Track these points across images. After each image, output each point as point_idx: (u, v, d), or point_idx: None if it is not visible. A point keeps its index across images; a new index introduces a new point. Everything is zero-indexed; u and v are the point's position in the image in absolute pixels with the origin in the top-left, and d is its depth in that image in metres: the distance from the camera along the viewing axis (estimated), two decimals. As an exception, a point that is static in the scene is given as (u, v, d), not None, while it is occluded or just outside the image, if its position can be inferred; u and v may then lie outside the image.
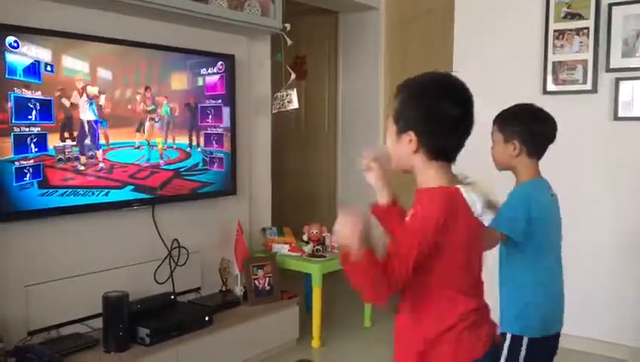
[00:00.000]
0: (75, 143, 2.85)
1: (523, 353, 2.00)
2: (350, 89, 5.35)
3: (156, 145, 3.23)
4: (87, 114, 2.89)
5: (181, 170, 3.34)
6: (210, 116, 3.48)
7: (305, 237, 3.94)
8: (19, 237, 2.73)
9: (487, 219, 1.53)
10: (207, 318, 3.10)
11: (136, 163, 3.13)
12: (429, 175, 1.48)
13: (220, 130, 3.53)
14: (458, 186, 1.44)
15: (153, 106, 3.18)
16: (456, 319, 1.46)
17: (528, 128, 2.02)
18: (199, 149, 3.42)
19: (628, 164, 3.45)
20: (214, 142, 3.50)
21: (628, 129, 3.43)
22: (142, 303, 3.00)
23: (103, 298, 2.78)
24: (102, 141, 2.97)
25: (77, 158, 2.86)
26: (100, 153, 2.96)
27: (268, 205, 4.16)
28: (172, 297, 3.19)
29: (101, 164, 2.97)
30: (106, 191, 2.99)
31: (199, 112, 3.42)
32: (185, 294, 3.45)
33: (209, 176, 3.50)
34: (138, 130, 3.14)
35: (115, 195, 3.03)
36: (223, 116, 3.54)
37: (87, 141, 2.90)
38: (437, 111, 1.42)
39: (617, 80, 3.43)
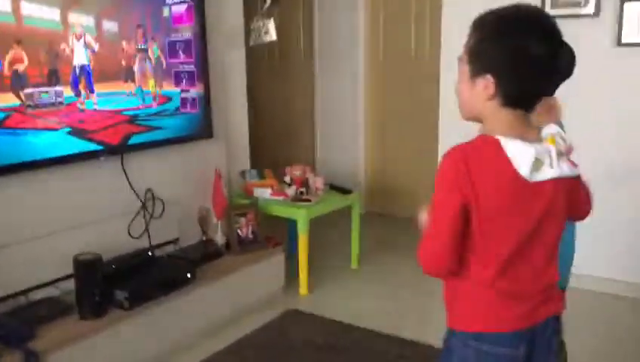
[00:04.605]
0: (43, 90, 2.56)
1: None
2: (327, 14, 4.98)
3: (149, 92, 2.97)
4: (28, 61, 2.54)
5: (150, 114, 3.03)
6: (179, 52, 3.13)
7: (287, 179, 3.71)
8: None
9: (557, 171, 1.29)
10: (189, 275, 2.89)
11: (110, 110, 2.84)
12: (497, 124, 1.30)
13: (190, 68, 3.19)
14: (497, 137, 1.25)
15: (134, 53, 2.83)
16: (479, 280, 1.32)
17: None
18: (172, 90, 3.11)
19: (632, 92, 3.25)
20: (185, 81, 3.17)
21: (633, 56, 3.20)
22: (117, 262, 2.77)
23: (73, 262, 2.53)
24: (65, 88, 2.64)
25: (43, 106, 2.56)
26: (63, 101, 2.64)
27: (246, 146, 3.88)
28: (149, 253, 2.96)
29: (66, 112, 2.65)
30: (69, 140, 2.68)
31: (167, 48, 3.07)
32: (162, 246, 3.22)
33: (182, 119, 3.19)
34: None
35: (80, 145, 2.73)
36: (194, 51, 3.19)
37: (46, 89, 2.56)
38: (522, 51, 1.24)
39: (622, 1, 3.16)
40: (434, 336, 2.91)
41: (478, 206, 1.25)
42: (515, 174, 1.24)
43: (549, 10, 3.32)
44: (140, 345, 2.67)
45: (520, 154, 1.24)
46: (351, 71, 4.91)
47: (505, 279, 1.31)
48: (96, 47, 2.74)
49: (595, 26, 3.25)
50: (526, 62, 1.24)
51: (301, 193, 3.62)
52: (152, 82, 3.03)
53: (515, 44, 1.24)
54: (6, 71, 2.42)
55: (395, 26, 4.74)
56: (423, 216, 1.39)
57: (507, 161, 1.24)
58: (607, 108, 3.33)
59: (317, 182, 3.70)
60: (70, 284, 2.67)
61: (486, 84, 1.27)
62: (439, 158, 4.41)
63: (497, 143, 1.25)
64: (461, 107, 1.38)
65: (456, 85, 1.37)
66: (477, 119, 1.35)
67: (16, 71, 2.46)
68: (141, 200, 3.07)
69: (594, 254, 3.32)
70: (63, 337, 2.41)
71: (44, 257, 2.67)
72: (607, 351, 2.83)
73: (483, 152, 1.26)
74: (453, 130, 3.73)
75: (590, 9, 3.24)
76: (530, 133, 1.29)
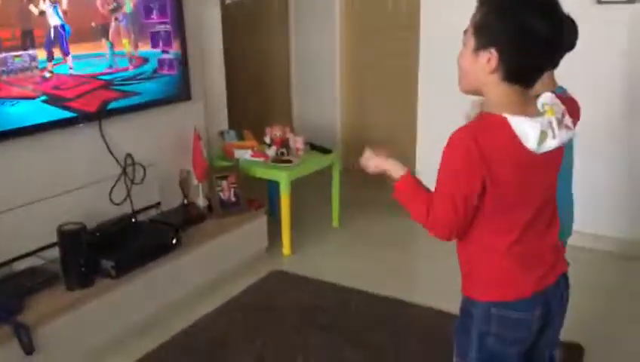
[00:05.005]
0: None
1: None
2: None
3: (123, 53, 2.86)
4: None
5: (127, 78, 2.94)
6: (154, 11, 3.01)
7: (267, 140, 3.68)
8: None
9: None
10: (174, 240, 2.87)
11: (86, 74, 2.75)
12: (497, 99, 1.34)
13: (167, 28, 3.08)
14: (504, 116, 1.29)
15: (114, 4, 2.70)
16: (495, 250, 1.40)
17: None
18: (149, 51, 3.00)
19: (612, 51, 3.28)
20: (162, 42, 3.07)
21: (613, 14, 3.22)
22: (100, 230, 2.73)
23: (58, 233, 2.48)
24: (39, 51, 2.54)
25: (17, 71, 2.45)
26: (49, 65, 2.55)
27: (224, 106, 3.81)
28: (133, 220, 2.92)
29: (46, 76, 2.54)
30: (46, 109, 2.59)
31: (142, 8, 2.95)
32: (144, 211, 3.18)
33: (160, 82, 3.11)
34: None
35: (57, 114, 2.64)
36: (169, 11, 3.08)
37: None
38: (526, 28, 1.26)
39: (602, -42, 3.16)
40: (419, 295, 3.01)
41: (492, 182, 1.30)
42: (523, 149, 1.29)
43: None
44: (129, 312, 2.67)
45: (527, 130, 1.29)
46: (326, 24, 4.81)
47: (520, 246, 1.39)
48: (65, 4, 2.61)
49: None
50: (528, 39, 1.27)
51: (282, 153, 3.60)
52: (126, 42, 2.92)
53: (518, 20, 1.27)
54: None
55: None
56: (373, 162, 1.56)
57: (515, 138, 1.29)
58: (586, 66, 3.34)
59: (297, 142, 3.68)
60: (53, 253, 2.64)
61: (489, 57, 1.30)
62: (418, 112, 4.40)
63: (504, 121, 1.30)
64: (461, 79, 1.41)
65: (458, 57, 1.40)
66: (476, 92, 1.39)
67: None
68: (121, 166, 3.01)
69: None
70: (52, 308, 2.39)
71: (25, 227, 2.62)
72: (595, 306, 2.88)
73: (491, 131, 1.30)
74: (433, 84, 3.78)
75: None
76: (530, 108, 1.33)
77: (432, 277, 3.30)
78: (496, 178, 1.30)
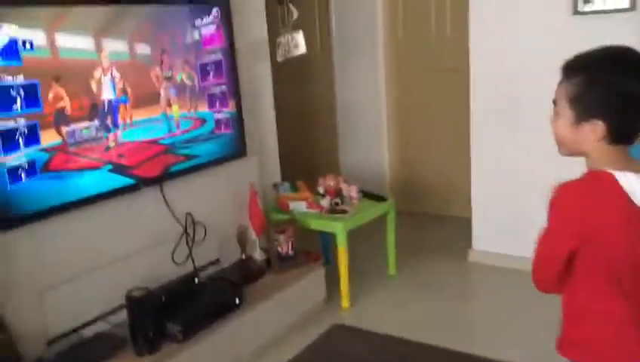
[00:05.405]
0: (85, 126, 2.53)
1: None
2: (343, 14, 4.90)
3: (173, 117, 2.91)
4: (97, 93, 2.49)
5: (186, 140, 3.00)
6: (210, 74, 3.08)
7: (321, 190, 3.68)
8: (22, 242, 2.40)
9: None
10: (238, 300, 2.87)
11: (146, 140, 2.81)
12: (603, 158, 1.33)
13: (222, 88, 3.14)
14: (611, 172, 1.28)
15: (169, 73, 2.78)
16: (604, 312, 1.36)
17: None
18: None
19: None
20: (218, 102, 3.13)
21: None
22: (165, 292, 2.74)
23: (126, 299, 2.51)
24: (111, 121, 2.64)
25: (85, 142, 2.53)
26: (111, 135, 2.63)
27: (276, 159, 3.85)
28: (195, 280, 2.93)
29: (110, 146, 2.63)
30: (111, 177, 2.65)
31: (199, 71, 3.02)
32: (203, 269, 3.20)
33: (217, 142, 3.16)
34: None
35: (122, 181, 2.70)
36: (224, 71, 3.14)
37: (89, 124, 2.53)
38: (624, 93, 1.27)
39: (658, -6, 3.10)
40: (483, 346, 2.93)
41: (599, 241, 1.29)
42: (631, 206, 1.26)
43: (582, 5, 3.26)
44: (196, 376, 2.67)
45: (634, 185, 1.26)
46: (370, 67, 4.84)
47: (633, 308, 1.34)
48: (120, 78, 2.67)
49: (630, 21, 3.17)
50: (629, 103, 1.27)
51: (336, 204, 3.58)
52: (176, 108, 2.95)
53: (615, 87, 1.27)
54: (48, 110, 2.38)
55: (413, 15, 4.68)
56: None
57: (624, 194, 1.26)
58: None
59: (351, 191, 3.66)
60: (118, 317, 2.68)
61: (593, 128, 1.30)
62: (472, 151, 4.28)
63: (611, 177, 1.28)
64: (561, 146, 1.41)
65: (553, 125, 1.40)
66: (578, 155, 1.39)
67: (58, 109, 2.42)
68: (182, 226, 3.04)
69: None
70: (122, 376, 2.41)
71: (92, 293, 2.66)
72: None
73: (597, 188, 1.29)
74: (486, 123, 3.71)
75: (626, 3, 3.16)
76: (634, 164, 1.32)
77: (495, 326, 3.20)
78: (600, 237, 1.28)
